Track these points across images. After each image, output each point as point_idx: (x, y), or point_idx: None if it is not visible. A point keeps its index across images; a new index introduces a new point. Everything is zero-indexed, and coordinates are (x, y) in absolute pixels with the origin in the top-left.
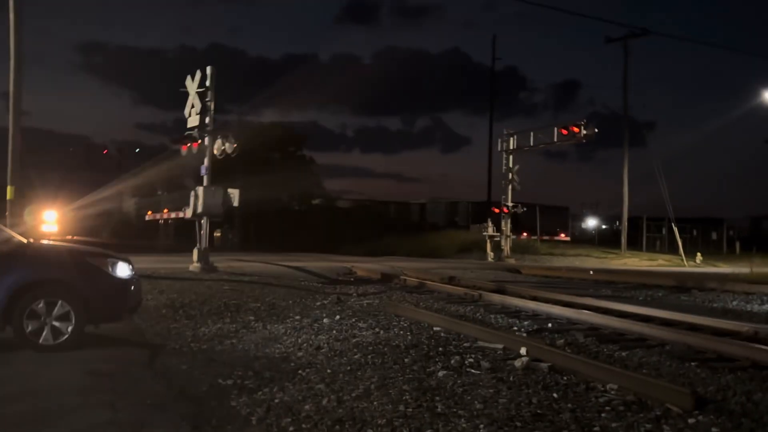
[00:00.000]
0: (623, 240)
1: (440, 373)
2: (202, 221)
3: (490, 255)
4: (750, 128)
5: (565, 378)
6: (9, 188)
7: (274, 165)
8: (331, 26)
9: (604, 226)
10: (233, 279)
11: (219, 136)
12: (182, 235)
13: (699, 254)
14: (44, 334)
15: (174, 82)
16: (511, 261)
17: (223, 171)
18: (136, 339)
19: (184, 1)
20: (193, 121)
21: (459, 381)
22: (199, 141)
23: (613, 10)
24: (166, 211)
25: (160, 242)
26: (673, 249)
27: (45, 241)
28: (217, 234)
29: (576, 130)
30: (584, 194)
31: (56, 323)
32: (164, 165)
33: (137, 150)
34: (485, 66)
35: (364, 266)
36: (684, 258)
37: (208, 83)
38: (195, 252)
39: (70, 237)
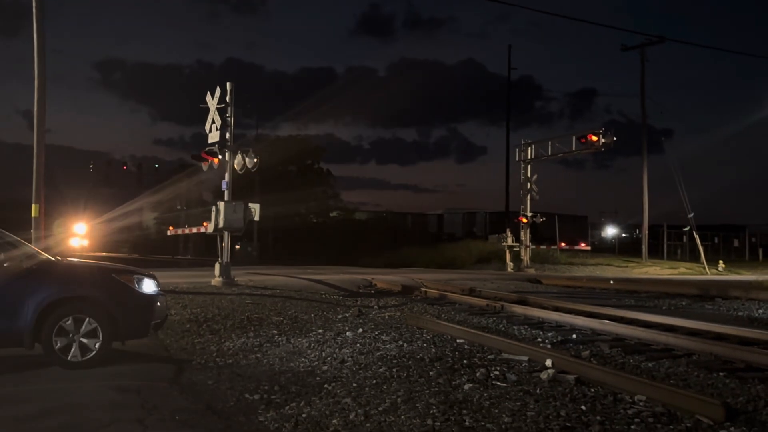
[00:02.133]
0: (644, 248)
1: (466, 386)
2: (224, 236)
3: (510, 265)
4: None
5: (592, 390)
6: (33, 206)
7: (291, 178)
8: (347, 40)
9: (624, 235)
10: (254, 293)
11: (240, 151)
12: (202, 249)
13: (721, 262)
14: (72, 350)
15: (191, 97)
16: (531, 271)
17: (240, 184)
18: (162, 354)
19: (201, 17)
20: (213, 136)
21: (486, 394)
22: (220, 156)
23: (628, 18)
24: (187, 226)
25: (180, 256)
26: (694, 257)
27: (72, 259)
28: (237, 247)
29: (594, 138)
30: (603, 203)
31: (84, 340)
32: (183, 180)
33: (156, 166)
34: (500, 76)
35: (384, 278)
36: (706, 266)
37: (228, 99)
38: (217, 266)
39: (90, 253)
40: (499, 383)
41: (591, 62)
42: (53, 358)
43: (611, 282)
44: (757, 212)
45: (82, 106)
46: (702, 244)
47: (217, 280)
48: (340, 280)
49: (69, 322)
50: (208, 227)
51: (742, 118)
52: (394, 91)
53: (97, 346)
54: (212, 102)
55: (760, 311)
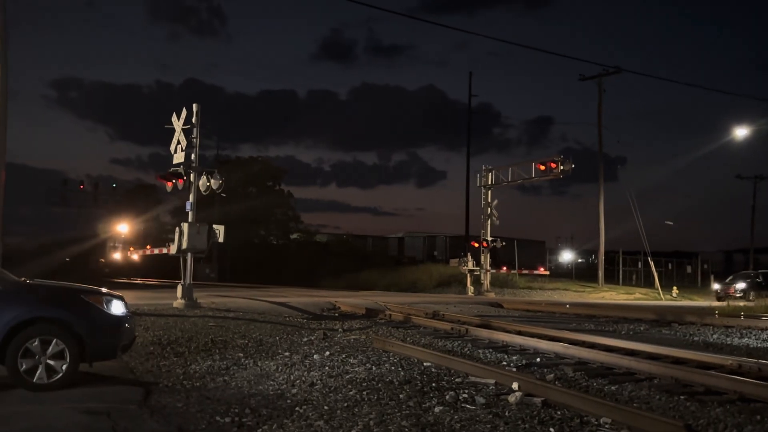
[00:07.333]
0: (600, 274)
1: (437, 409)
2: (187, 257)
3: (471, 289)
4: (723, 163)
5: (559, 412)
6: None
7: (251, 199)
8: (308, 64)
9: (580, 260)
10: (218, 315)
11: (205, 172)
12: (161, 271)
13: (675, 288)
14: (38, 372)
15: (150, 117)
16: (491, 295)
17: (200, 206)
18: (128, 376)
19: (161, 39)
20: (178, 157)
21: (456, 416)
22: (185, 178)
23: (586, 48)
24: (149, 247)
25: (136, 276)
26: (649, 282)
27: (39, 280)
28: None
29: (553, 165)
30: (559, 228)
31: (51, 361)
32: (140, 200)
33: (114, 185)
34: (460, 102)
35: (347, 301)
36: (660, 291)
37: (194, 120)
38: (179, 288)
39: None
40: (468, 406)
41: (548, 91)
42: (18, 380)
43: (567, 306)
44: (708, 239)
45: (37, 124)
46: (656, 270)
47: (179, 301)
48: (303, 303)
49: (35, 343)
50: (171, 249)
51: (693, 147)
52: (355, 115)
53: (64, 368)
54: (178, 123)
55: (715, 336)
